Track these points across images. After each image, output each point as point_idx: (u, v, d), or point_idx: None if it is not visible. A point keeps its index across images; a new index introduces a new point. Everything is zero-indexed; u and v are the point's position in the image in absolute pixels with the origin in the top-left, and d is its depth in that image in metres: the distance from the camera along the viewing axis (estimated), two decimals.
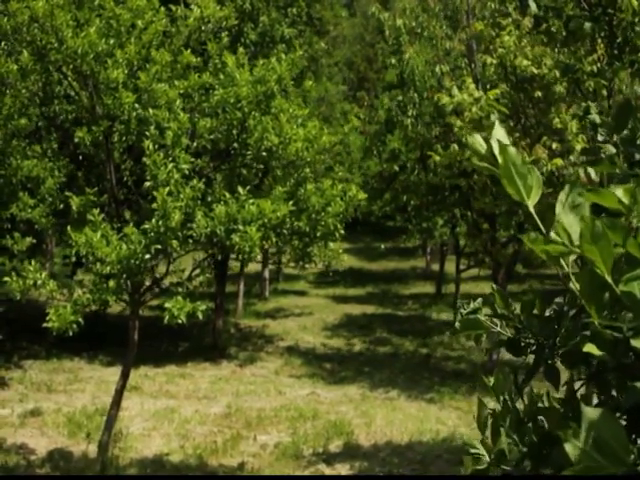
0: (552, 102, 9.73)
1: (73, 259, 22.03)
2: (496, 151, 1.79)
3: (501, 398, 3.07)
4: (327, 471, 11.93)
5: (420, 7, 17.75)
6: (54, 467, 12.05)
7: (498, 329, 2.40)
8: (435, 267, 33.33)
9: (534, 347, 2.26)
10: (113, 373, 18.11)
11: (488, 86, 13.51)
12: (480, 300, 2.59)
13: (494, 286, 2.46)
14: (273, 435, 13.94)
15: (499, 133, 1.86)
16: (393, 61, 18.66)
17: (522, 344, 2.31)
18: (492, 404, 3.09)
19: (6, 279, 9.30)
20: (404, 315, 26.41)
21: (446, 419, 14.90)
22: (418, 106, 17.81)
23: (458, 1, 16.91)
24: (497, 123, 1.93)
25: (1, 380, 17.04)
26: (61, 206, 10.17)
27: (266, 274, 29.01)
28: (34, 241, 15.61)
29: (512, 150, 1.76)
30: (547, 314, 2.54)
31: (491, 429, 2.42)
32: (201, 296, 10.61)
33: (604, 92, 10.33)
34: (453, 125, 11.15)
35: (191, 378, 18.01)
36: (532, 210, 1.82)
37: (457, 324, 2.48)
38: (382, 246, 31.03)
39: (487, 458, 1.93)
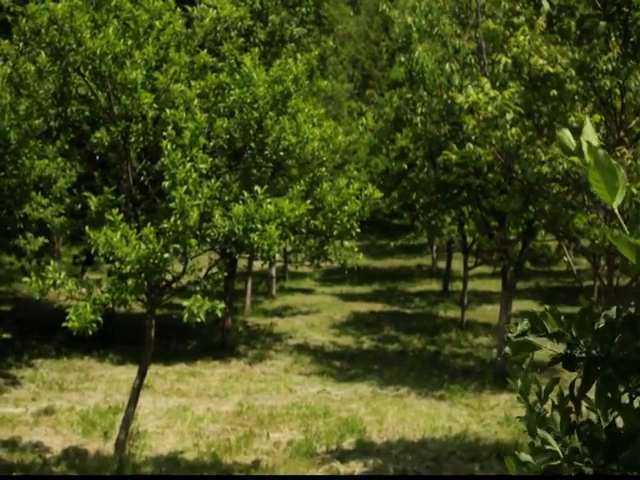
0: (567, 100, 9.78)
1: (82, 258, 22.13)
2: (585, 151, 1.84)
3: (530, 400, 3.12)
4: (342, 468, 12.00)
5: (430, 5, 17.76)
6: (70, 465, 12.13)
7: (549, 347, 2.45)
8: (441, 265, 33.40)
9: (586, 361, 2.31)
10: (123, 371, 18.22)
11: (497, 84, 13.56)
12: (528, 321, 2.65)
13: (547, 306, 2.50)
14: (285, 433, 14.01)
15: (589, 133, 1.91)
16: (402, 59, 18.69)
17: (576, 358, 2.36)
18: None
19: (25, 279, 9.34)
20: (411, 313, 26.46)
21: (457, 416, 14.97)
22: (427, 104, 17.84)
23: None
24: (587, 121, 1.98)
25: (13, 379, 17.13)
26: (79, 206, 10.21)
27: (273, 272, 29.06)
28: (46, 241, 15.73)
29: (601, 151, 1.82)
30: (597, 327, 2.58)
31: (540, 431, 2.47)
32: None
33: (617, 91, 10.39)
34: (466, 124, 11.18)
35: (201, 376, 18.08)
36: (616, 210, 1.88)
37: (508, 349, 2.53)
38: (392, 244, 31.04)
39: (561, 455, 1.98)
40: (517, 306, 20.54)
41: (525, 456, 2.47)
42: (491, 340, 21.64)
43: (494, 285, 30.07)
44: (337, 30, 29.62)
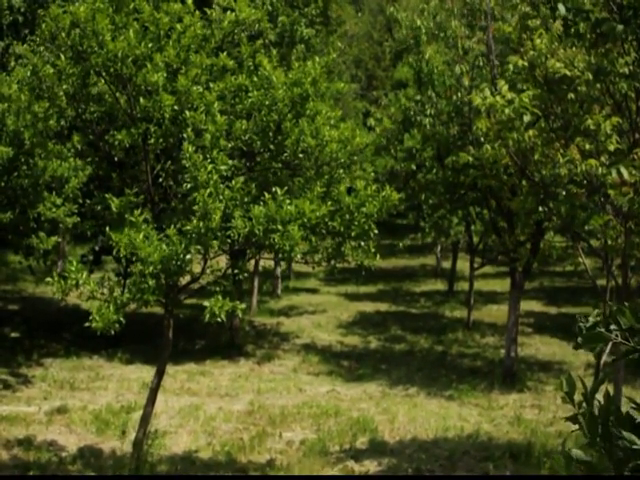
0: (584, 103, 9.87)
1: (90, 258, 22.22)
2: None
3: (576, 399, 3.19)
4: (356, 467, 12.09)
5: (438, 7, 17.88)
6: (86, 464, 12.20)
7: (620, 340, 2.53)
8: (444, 265, 33.48)
9: None
10: (133, 371, 18.30)
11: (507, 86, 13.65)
12: (596, 312, 2.73)
13: (626, 303, 2.58)
14: (297, 432, 14.09)
15: None
16: (410, 60, 18.79)
17: None
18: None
19: (48, 280, 9.41)
20: (417, 313, 26.54)
21: (468, 416, 15.05)
22: (436, 105, 17.94)
23: (477, 1, 17.01)
24: None
25: (24, 378, 17.20)
26: (98, 207, 10.29)
27: (278, 272, 29.15)
28: (59, 240, 15.81)
29: None
30: None
31: (602, 429, 2.56)
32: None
33: (632, 94, 10.48)
34: (479, 127, 11.26)
35: (211, 376, 18.16)
36: None
37: (580, 339, 2.61)
38: (401, 244, 31.16)
39: None
40: (522, 306, 20.63)
41: (577, 452, 2.57)
42: (498, 340, 21.75)
43: (498, 285, 30.20)
44: (345, 31, 29.69)
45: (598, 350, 2.69)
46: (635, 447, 2.08)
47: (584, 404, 3.03)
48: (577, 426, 2.92)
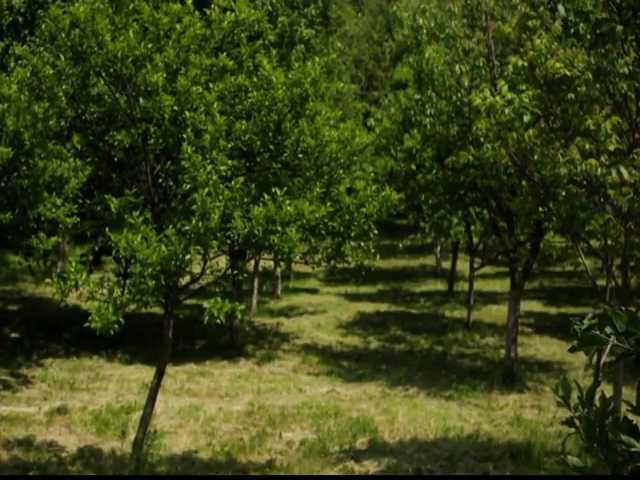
0: (583, 103, 9.87)
1: (90, 258, 22.22)
2: None
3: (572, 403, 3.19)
4: (356, 468, 12.08)
5: (438, 7, 17.89)
6: (85, 464, 12.19)
7: (616, 342, 2.53)
8: (445, 265, 33.49)
9: None
10: (133, 371, 18.30)
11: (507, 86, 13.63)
12: (590, 315, 2.73)
13: (623, 308, 2.58)
14: (297, 432, 14.09)
15: None
16: (411, 60, 18.78)
17: None
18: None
19: (47, 281, 9.40)
20: (417, 313, 26.55)
21: (468, 416, 15.05)
22: (436, 105, 17.94)
23: (476, 2, 17.02)
24: None
25: (24, 378, 17.20)
26: (98, 208, 10.29)
27: (278, 272, 29.17)
28: (60, 240, 15.81)
29: None
30: None
31: (599, 432, 2.55)
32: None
33: (631, 94, 10.47)
34: (478, 127, 11.25)
35: (211, 376, 18.16)
36: None
37: (576, 342, 2.61)
38: (400, 245, 31.20)
39: None
40: (522, 306, 20.63)
41: (573, 459, 2.57)
42: (498, 340, 21.75)
43: (498, 285, 30.22)
44: (344, 31, 29.73)
45: (593, 352, 2.69)
46: (634, 450, 2.08)
47: (580, 407, 3.03)
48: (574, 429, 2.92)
